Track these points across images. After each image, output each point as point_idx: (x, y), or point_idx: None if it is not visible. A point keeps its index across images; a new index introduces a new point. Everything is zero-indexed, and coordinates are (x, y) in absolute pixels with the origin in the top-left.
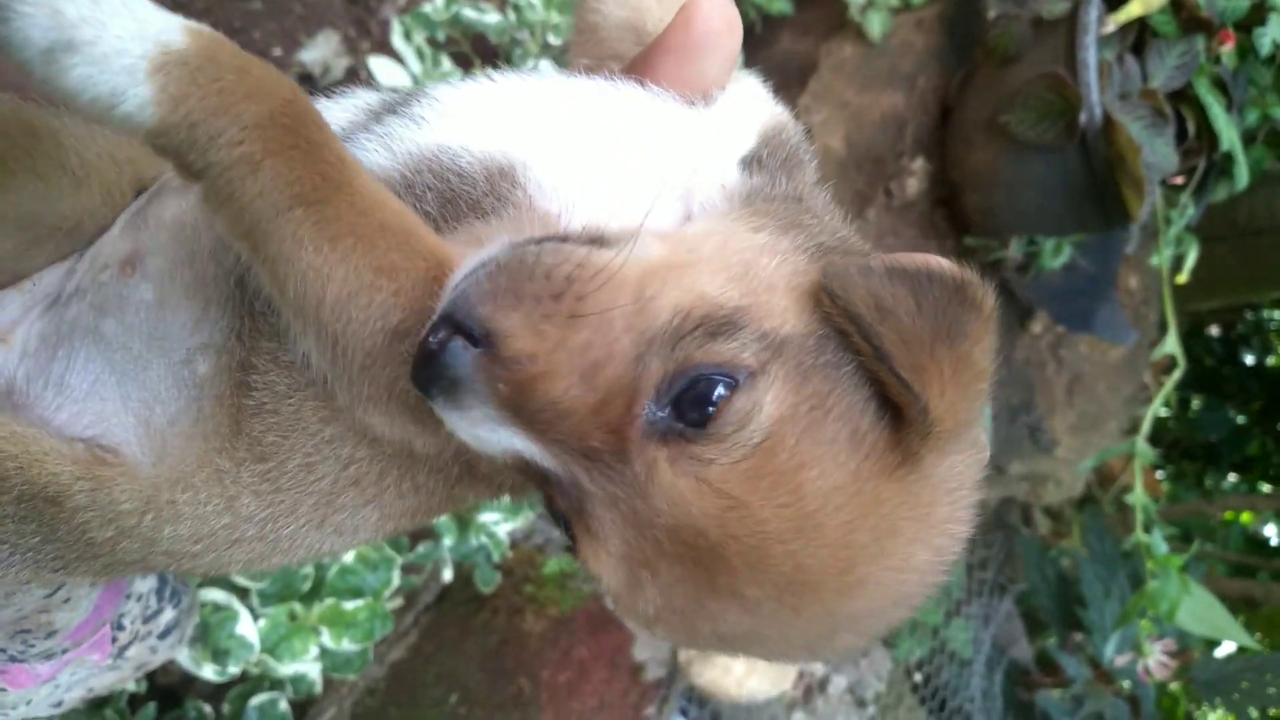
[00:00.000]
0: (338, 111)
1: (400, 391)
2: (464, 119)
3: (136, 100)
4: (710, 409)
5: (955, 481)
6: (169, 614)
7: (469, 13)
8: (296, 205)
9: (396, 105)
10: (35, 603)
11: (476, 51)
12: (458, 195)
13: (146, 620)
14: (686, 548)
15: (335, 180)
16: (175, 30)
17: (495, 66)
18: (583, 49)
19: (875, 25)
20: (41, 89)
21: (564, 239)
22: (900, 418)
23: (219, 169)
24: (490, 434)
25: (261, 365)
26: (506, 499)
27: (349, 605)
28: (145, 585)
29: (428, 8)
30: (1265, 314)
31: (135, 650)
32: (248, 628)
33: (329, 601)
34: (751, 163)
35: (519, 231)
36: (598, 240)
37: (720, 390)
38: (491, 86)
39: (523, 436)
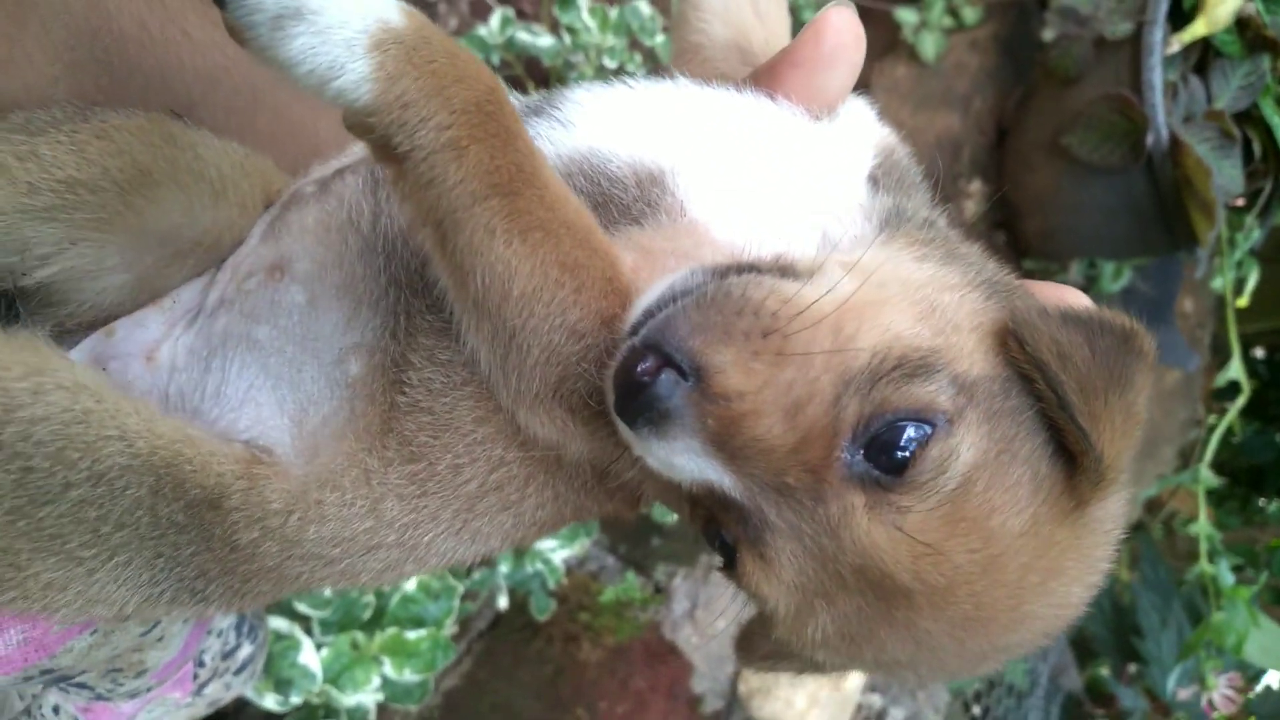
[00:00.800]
0: None
1: (566, 392)
2: (611, 122)
3: (355, 75)
4: (906, 454)
5: (1112, 522)
6: (246, 649)
7: (523, 36)
8: (493, 195)
9: (539, 108)
10: (130, 641)
11: (530, 75)
12: (609, 199)
13: (225, 656)
14: (870, 585)
15: (528, 172)
16: (393, 9)
17: (550, 90)
18: (686, 68)
19: (929, 46)
20: (258, 57)
21: (756, 268)
22: (1071, 462)
23: (425, 152)
24: (688, 463)
25: (418, 362)
26: (624, 515)
27: (411, 635)
28: (225, 621)
29: (482, 30)
30: None
31: (212, 687)
32: (310, 657)
33: (391, 631)
34: (876, 181)
35: (678, 244)
36: (787, 270)
37: (914, 434)
38: (630, 91)
39: (720, 469)
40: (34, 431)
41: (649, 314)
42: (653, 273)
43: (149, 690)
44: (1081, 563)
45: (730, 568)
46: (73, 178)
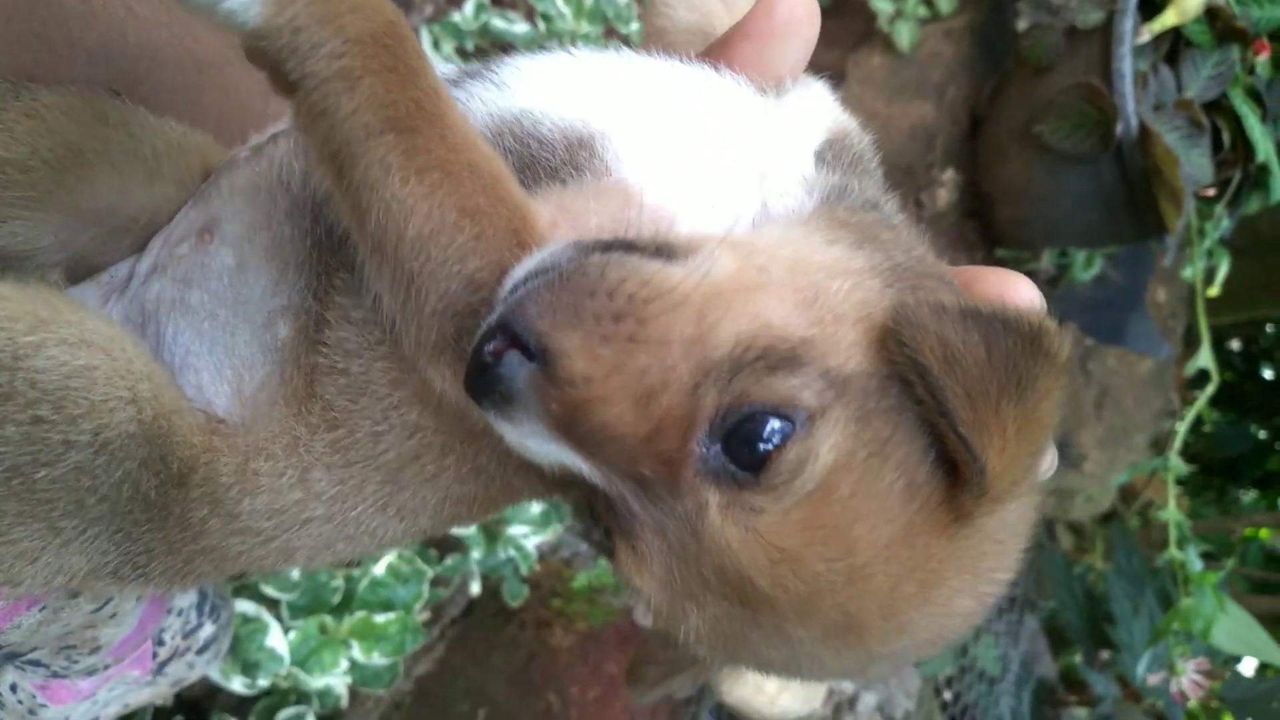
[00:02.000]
0: None
1: (464, 347)
2: (546, 86)
3: None
4: (763, 449)
5: (1006, 532)
6: (208, 629)
7: (498, 22)
8: (388, 130)
9: (476, 72)
10: (82, 618)
11: None
12: (536, 161)
13: (186, 635)
14: (733, 589)
15: (429, 111)
16: None
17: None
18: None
19: (904, 35)
20: None
21: (631, 247)
22: (957, 470)
23: (316, 80)
24: (538, 447)
25: (334, 321)
26: (550, 500)
27: (380, 618)
28: (186, 600)
29: (456, 17)
30: None
31: (174, 666)
32: (278, 640)
33: (360, 614)
34: (823, 158)
35: (604, 204)
36: (666, 250)
37: (774, 428)
38: (571, 59)
39: (573, 455)
40: (39, 380)
41: (514, 289)
42: (571, 231)
43: (106, 668)
44: (967, 574)
45: (608, 542)
46: (0, 157)
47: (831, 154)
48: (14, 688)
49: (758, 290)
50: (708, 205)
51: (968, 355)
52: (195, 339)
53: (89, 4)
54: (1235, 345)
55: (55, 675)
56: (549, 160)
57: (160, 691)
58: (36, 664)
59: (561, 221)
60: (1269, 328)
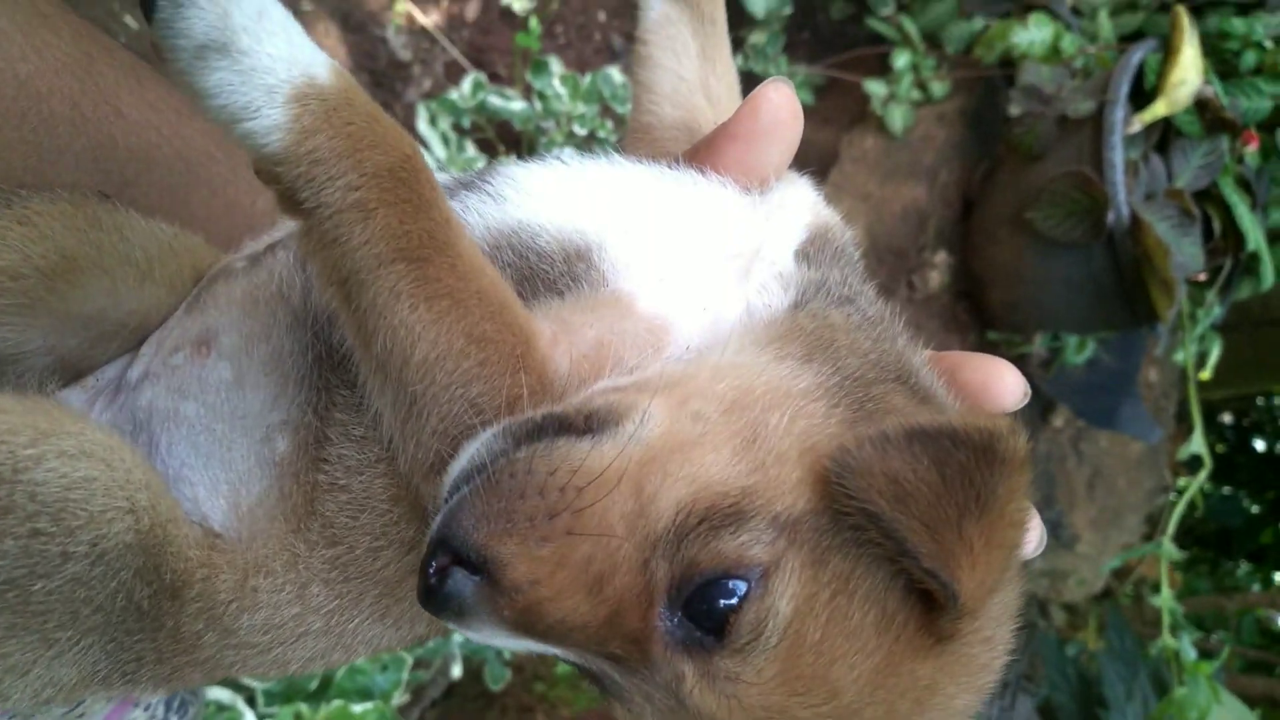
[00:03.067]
0: None
1: None
2: (542, 198)
3: (268, 121)
4: (723, 609)
5: (992, 626)
6: None
7: (494, 100)
8: (399, 259)
9: (471, 182)
10: None
11: (501, 139)
12: (535, 274)
13: None
14: None
15: (440, 240)
16: (322, 66)
17: (520, 155)
18: (636, 148)
19: (897, 118)
20: (175, 78)
21: (561, 425)
22: (930, 593)
23: (330, 210)
24: (507, 643)
25: (335, 438)
26: None
27: (357, 708)
28: (155, 694)
29: (454, 94)
30: (1277, 401)
31: None
32: None
33: (336, 703)
34: (804, 255)
35: (600, 315)
36: (597, 421)
37: (729, 588)
38: (564, 168)
39: (542, 645)
40: (38, 492)
41: (450, 493)
42: (570, 344)
43: None
44: (961, 678)
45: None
46: None
47: (813, 249)
48: None
49: (693, 446)
50: (699, 309)
51: (919, 485)
52: (190, 452)
53: (79, 110)
54: (1227, 419)
55: None
56: (548, 273)
57: None
58: None
59: (560, 337)
60: (1259, 401)
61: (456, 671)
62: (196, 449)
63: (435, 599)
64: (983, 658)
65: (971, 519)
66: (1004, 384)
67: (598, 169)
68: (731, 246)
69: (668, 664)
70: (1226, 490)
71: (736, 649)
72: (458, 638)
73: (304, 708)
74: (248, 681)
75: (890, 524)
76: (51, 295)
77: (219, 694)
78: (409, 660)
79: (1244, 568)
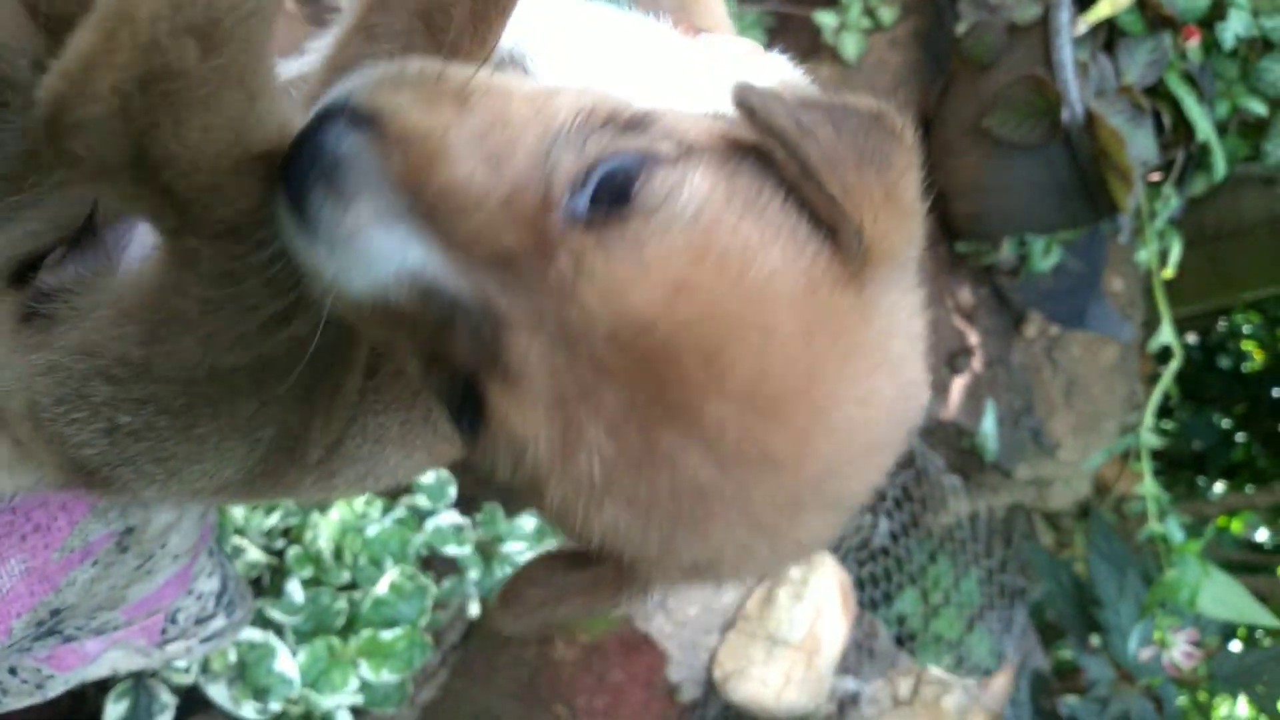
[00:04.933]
0: None
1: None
2: None
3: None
4: (633, 183)
5: (905, 320)
6: (219, 622)
7: None
8: None
9: None
10: (127, 574)
11: None
12: None
13: (199, 622)
14: (631, 357)
15: None
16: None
17: None
18: None
19: (850, 47)
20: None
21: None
22: (835, 242)
23: None
24: (384, 239)
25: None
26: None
27: (387, 635)
28: (209, 585)
29: None
30: (1237, 318)
31: (175, 646)
32: (287, 663)
33: (366, 633)
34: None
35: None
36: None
37: (641, 166)
38: None
39: (423, 241)
40: None
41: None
42: None
43: (116, 629)
44: (878, 350)
45: (474, 435)
46: None
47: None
48: (13, 670)
49: (588, 87)
50: None
51: (818, 129)
52: None
53: None
54: (1192, 339)
55: (66, 640)
56: None
57: (152, 663)
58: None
59: None
60: (1222, 321)
61: (474, 611)
62: None
63: (305, 152)
64: (900, 346)
65: (869, 169)
66: None
67: None
68: (666, 81)
69: (568, 245)
70: (1198, 410)
71: (649, 211)
72: (473, 574)
73: (335, 640)
74: (277, 617)
75: (794, 144)
76: None
77: (250, 633)
78: (432, 587)
79: (1219, 488)
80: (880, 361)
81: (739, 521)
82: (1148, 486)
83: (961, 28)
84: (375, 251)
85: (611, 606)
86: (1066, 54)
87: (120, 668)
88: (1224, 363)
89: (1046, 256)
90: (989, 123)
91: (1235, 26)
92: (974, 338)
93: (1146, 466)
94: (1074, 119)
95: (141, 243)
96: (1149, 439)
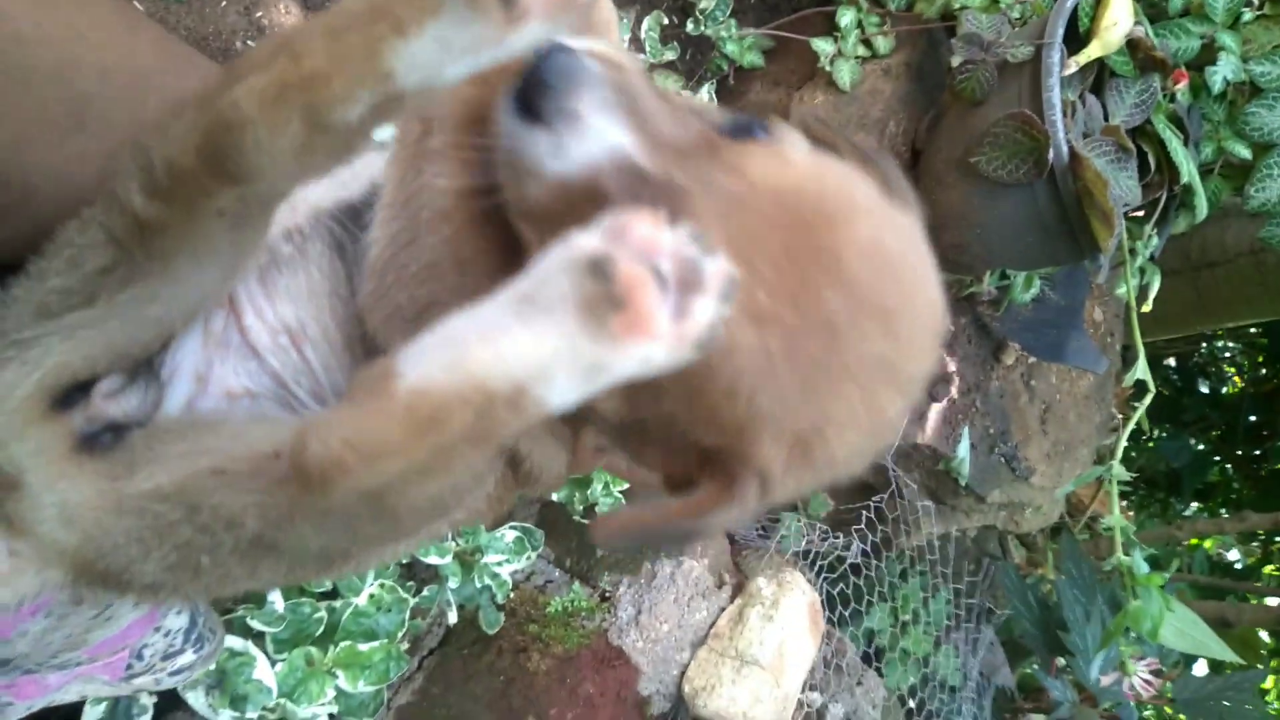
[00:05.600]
0: None
1: None
2: None
3: None
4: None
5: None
6: (188, 657)
7: None
8: None
9: None
10: (84, 623)
11: None
12: None
13: (166, 657)
14: (787, 211)
15: None
16: None
17: None
18: None
19: (845, 74)
20: None
21: None
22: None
23: None
24: (603, 122)
25: None
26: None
27: (364, 647)
28: (177, 622)
29: None
30: (1219, 344)
31: (142, 680)
32: (265, 672)
33: (345, 644)
34: None
35: None
36: None
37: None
38: None
39: (630, 130)
40: None
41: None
42: None
43: (78, 665)
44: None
45: None
46: None
47: None
48: None
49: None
50: None
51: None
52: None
53: (42, 29)
54: (1172, 363)
55: (26, 672)
56: None
57: (120, 692)
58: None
59: None
60: (1203, 347)
61: (453, 618)
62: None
63: (541, 66)
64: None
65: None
66: None
67: None
68: None
69: (731, 150)
70: (1174, 432)
71: (778, 141)
72: (452, 583)
73: (313, 650)
74: (257, 626)
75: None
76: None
77: (231, 641)
78: (411, 600)
79: (1193, 508)
80: (931, 272)
81: (854, 371)
82: (1115, 518)
83: (956, 60)
84: (594, 131)
85: (719, 514)
86: (1055, 94)
87: (89, 694)
88: (1203, 386)
89: (1028, 289)
90: (977, 158)
91: (1225, 70)
92: (953, 365)
93: (1114, 498)
94: (1059, 159)
95: (186, 380)
96: (1119, 471)
